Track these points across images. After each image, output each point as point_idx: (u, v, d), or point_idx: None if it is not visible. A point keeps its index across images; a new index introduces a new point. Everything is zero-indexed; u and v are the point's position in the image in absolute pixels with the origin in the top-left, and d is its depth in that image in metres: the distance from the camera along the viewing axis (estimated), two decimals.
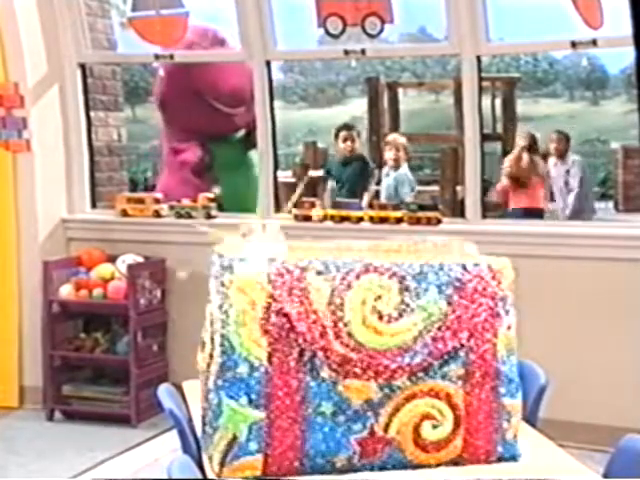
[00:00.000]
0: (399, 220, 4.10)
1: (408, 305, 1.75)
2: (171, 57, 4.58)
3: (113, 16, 5.07)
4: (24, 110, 4.48)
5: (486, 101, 7.33)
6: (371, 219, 4.18)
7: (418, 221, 4.05)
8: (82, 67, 4.73)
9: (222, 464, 1.72)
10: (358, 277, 1.75)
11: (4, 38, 4.35)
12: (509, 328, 1.80)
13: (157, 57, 4.63)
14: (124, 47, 5.14)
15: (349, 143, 6.34)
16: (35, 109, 4.56)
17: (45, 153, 4.69)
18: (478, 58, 3.89)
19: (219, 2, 4.64)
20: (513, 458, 1.80)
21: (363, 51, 4.11)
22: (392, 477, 1.74)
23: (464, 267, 1.78)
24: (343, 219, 4.25)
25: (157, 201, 4.74)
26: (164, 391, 2.20)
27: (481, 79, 3.94)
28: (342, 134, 6.42)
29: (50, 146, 4.72)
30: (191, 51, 4.80)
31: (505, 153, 8.27)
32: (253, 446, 1.71)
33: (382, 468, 1.75)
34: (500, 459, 1.79)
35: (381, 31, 3.97)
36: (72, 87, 4.70)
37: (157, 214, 4.70)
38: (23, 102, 4.48)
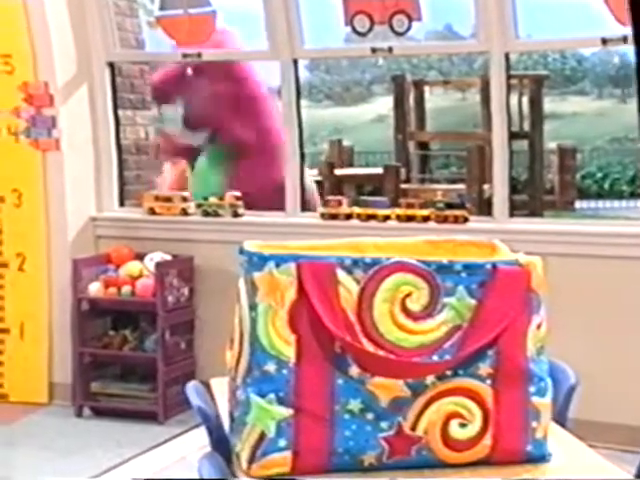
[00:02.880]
0: (426, 218, 4.10)
1: (437, 303, 1.74)
2: (199, 56, 4.61)
3: (141, 15, 5.10)
4: (54, 109, 4.53)
5: (513, 99, 7.28)
6: (398, 217, 4.18)
7: (445, 219, 4.05)
8: (111, 66, 4.77)
9: (251, 461, 1.72)
10: (387, 275, 1.74)
11: (34, 38, 4.39)
12: (539, 327, 1.79)
13: (185, 56, 4.66)
14: (152, 46, 5.18)
15: None
16: (64, 108, 4.61)
17: (74, 152, 4.73)
18: (506, 55, 3.87)
19: (246, 1, 4.65)
20: (543, 457, 1.78)
21: (390, 49, 4.11)
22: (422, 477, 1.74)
23: (494, 265, 1.77)
24: (370, 217, 4.25)
25: (184, 199, 4.77)
26: (192, 388, 2.21)
27: (509, 77, 3.92)
28: None
29: (79, 145, 4.76)
30: (219, 49, 4.82)
31: (532, 151, 8.22)
32: (282, 443, 1.71)
33: (411, 467, 1.74)
34: (529, 458, 1.77)
35: (408, 29, 3.96)
36: (101, 86, 4.75)
37: (184, 212, 4.74)
38: (53, 101, 4.53)
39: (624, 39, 3.61)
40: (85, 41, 4.62)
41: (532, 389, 1.77)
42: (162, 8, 4.55)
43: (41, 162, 4.60)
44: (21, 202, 4.65)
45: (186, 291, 4.53)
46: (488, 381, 1.74)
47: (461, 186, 8.07)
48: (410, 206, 4.21)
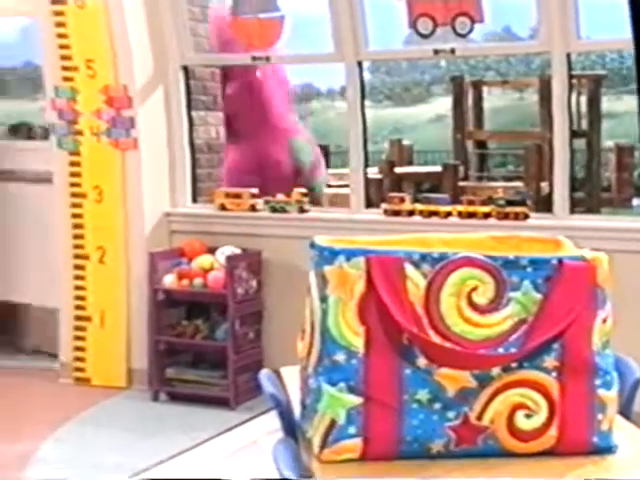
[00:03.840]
0: (487, 215, 4.04)
1: (503, 297, 1.71)
2: (267, 59, 4.62)
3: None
4: (132, 110, 4.59)
5: (572, 98, 7.13)
6: (459, 214, 4.13)
7: (506, 216, 3.99)
8: (185, 69, 4.81)
9: (322, 446, 1.71)
10: (454, 269, 1.72)
11: (115, 44, 4.45)
12: (604, 321, 1.74)
13: (254, 59, 4.68)
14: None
15: None
16: (142, 109, 4.67)
17: (150, 150, 4.80)
18: (568, 56, 3.79)
19: (313, 5, 4.64)
20: (609, 449, 1.74)
21: (453, 50, 4.06)
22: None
23: (560, 260, 1.73)
24: (431, 214, 4.21)
25: (253, 196, 4.80)
26: (264, 376, 2.21)
27: (571, 77, 3.84)
28: None
29: (155, 144, 4.82)
30: (286, 54, 4.83)
31: (590, 150, 8.06)
32: (352, 430, 1.70)
33: (477, 455, 1.71)
34: (595, 450, 1.73)
35: (471, 30, 3.91)
36: (175, 88, 4.80)
37: (253, 208, 4.76)
38: (131, 103, 4.59)
39: None
40: (161, 46, 4.67)
41: (598, 382, 1.73)
42: (233, 14, 4.57)
43: (120, 161, 4.67)
44: (102, 198, 4.72)
45: (254, 283, 4.55)
46: (554, 373, 1.71)
47: (518, 184, 7.94)
48: (471, 203, 4.16)
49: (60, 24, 4.51)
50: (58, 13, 4.50)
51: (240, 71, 5.46)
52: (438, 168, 7.97)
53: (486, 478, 1.67)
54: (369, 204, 4.60)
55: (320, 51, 4.85)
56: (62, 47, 4.55)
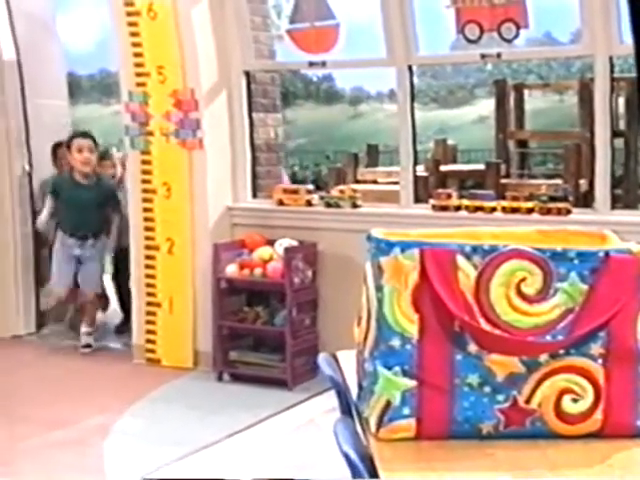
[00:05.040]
0: (530, 210, 3.98)
1: (550, 288, 1.68)
2: (323, 64, 4.61)
3: (273, 30, 5.15)
4: (198, 113, 4.63)
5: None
6: (503, 209, 4.08)
7: (549, 211, 3.92)
8: (247, 74, 4.83)
9: (379, 425, 1.71)
10: (504, 261, 1.69)
11: (183, 51, 4.49)
12: None
13: (311, 64, 4.67)
14: (281, 56, 5.22)
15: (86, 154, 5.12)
16: (207, 112, 4.70)
17: (215, 150, 4.83)
18: (610, 59, 3.70)
19: (367, 13, 4.62)
20: None
21: (499, 55, 4.00)
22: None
23: (606, 253, 1.69)
24: (477, 209, 4.16)
25: (309, 192, 4.80)
26: (323, 359, 2.21)
27: (613, 79, 3.75)
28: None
29: (219, 144, 4.85)
30: (341, 59, 4.81)
31: (627, 149, 7.89)
32: (406, 411, 1.69)
33: (526, 436, 1.69)
34: (639, 433, 1.69)
35: (516, 36, 3.84)
36: (238, 92, 4.82)
37: (309, 203, 4.76)
38: (197, 106, 4.62)
39: None
40: (225, 53, 4.69)
41: None
42: (292, 22, 4.57)
43: (187, 159, 4.71)
44: (170, 194, 4.77)
45: (310, 273, 4.56)
46: (600, 360, 1.67)
47: (557, 181, 7.80)
48: (515, 199, 4.10)
49: (134, 34, 4.57)
50: (132, 24, 4.56)
51: None
52: (481, 166, 7.87)
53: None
54: (417, 200, 4.57)
55: (372, 56, 4.82)
56: (136, 55, 4.60)
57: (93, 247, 5.27)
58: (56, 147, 5.50)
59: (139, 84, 4.66)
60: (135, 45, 4.61)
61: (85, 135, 5.24)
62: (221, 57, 4.68)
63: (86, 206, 5.16)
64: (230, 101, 4.79)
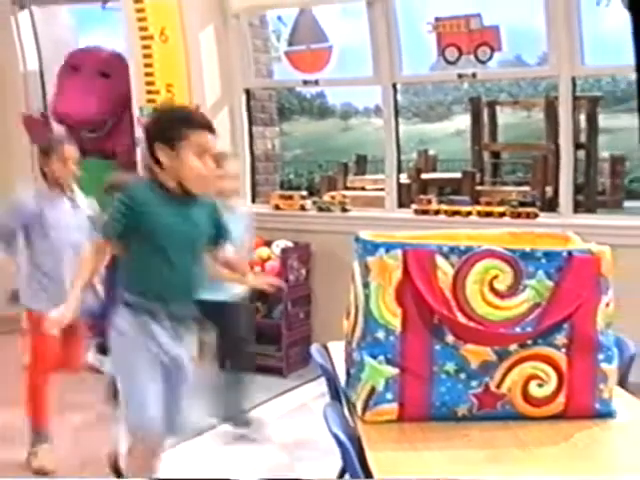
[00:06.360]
0: (502, 214, 3.99)
1: (520, 284, 1.69)
2: (316, 82, 4.61)
3: (272, 51, 5.15)
4: None
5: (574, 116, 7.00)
6: (478, 213, 4.09)
7: (518, 215, 3.93)
8: (247, 92, 4.82)
9: (364, 409, 1.71)
10: (478, 260, 1.70)
11: (191, 71, 4.48)
12: (607, 305, 1.71)
13: (305, 82, 4.67)
14: (278, 75, 5.22)
15: None
16: None
17: None
18: (573, 79, 3.72)
19: (356, 37, 4.62)
20: (609, 414, 1.71)
21: (474, 75, 4.00)
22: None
23: (570, 253, 1.70)
24: (454, 213, 4.17)
25: (303, 197, 4.79)
26: (315, 349, 2.21)
27: (574, 98, 3.76)
28: None
29: None
30: (332, 78, 4.80)
31: (588, 160, 7.91)
32: (389, 396, 1.69)
33: (497, 418, 1.70)
34: (598, 414, 1.70)
35: (490, 58, 3.85)
36: (238, 108, 4.81)
37: (303, 208, 4.75)
38: None
39: None
40: (228, 73, 4.68)
41: (601, 357, 1.70)
42: (290, 44, 4.57)
43: None
44: None
45: (304, 271, 4.55)
46: (563, 350, 1.68)
47: (526, 188, 7.82)
48: (488, 204, 4.11)
49: (147, 55, 4.56)
50: (146, 47, 4.55)
51: None
52: (458, 175, 7.89)
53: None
54: (400, 205, 4.57)
55: (361, 75, 4.82)
56: (147, 74, 4.59)
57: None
58: None
59: (149, 100, 4.65)
60: (147, 65, 4.61)
61: None
62: (224, 76, 4.68)
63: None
64: (232, 116, 4.78)
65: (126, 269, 2.17)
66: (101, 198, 3.05)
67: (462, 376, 1.68)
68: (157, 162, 2.13)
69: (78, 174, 3.05)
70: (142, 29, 4.55)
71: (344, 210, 4.62)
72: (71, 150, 3.05)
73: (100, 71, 4.88)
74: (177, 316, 2.18)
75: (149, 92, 4.65)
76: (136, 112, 4.71)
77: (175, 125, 2.13)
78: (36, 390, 2.99)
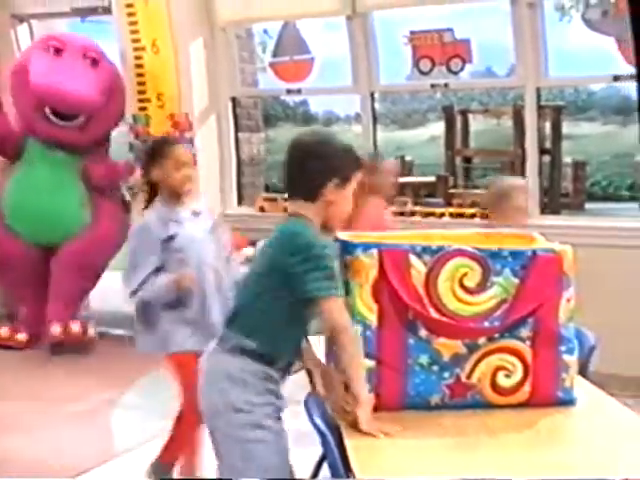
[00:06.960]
0: (473, 215, 4.01)
1: (488, 281, 1.70)
2: (299, 91, 4.61)
3: (258, 62, 5.14)
4: (192, 132, 4.59)
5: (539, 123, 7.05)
6: (450, 214, 4.10)
7: (488, 216, 3.94)
8: (233, 100, 4.81)
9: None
10: (449, 259, 1.71)
11: (180, 81, 4.46)
12: (569, 301, 1.73)
13: (288, 91, 4.66)
14: (263, 84, 5.21)
15: None
16: (199, 131, 4.67)
17: (206, 164, 4.80)
18: (538, 90, 3.75)
19: (336, 48, 4.62)
20: (571, 401, 1.73)
21: (446, 85, 4.02)
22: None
23: (534, 252, 1.71)
24: (429, 214, 4.18)
25: (286, 200, 4.76)
26: None
27: (540, 107, 3.79)
28: None
29: (210, 159, 4.82)
30: (314, 87, 4.79)
31: (553, 164, 7.99)
32: (367, 387, 1.69)
33: (467, 407, 1.71)
34: (560, 402, 1.72)
35: (462, 69, 3.87)
36: (225, 115, 4.79)
37: (286, 210, 4.72)
38: (191, 126, 4.59)
39: (632, 77, 3.45)
40: (215, 83, 4.66)
41: (563, 348, 1.72)
42: (274, 55, 4.56)
43: None
44: None
45: None
46: (528, 342, 1.70)
47: None
48: (460, 206, 4.13)
49: (139, 65, 4.53)
50: (138, 57, 4.52)
51: None
52: (432, 178, 7.93)
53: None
54: None
55: (341, 84, 4.82)
56: (139, 84, 4.56)
57: None
58: None
59: (141, 108, 4.63)
60: (139, 75, 4.58)
61: None
62: (211, 85, 4.66)
63: None
64: (219, 122, 4.76)
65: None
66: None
67: (435, 368, 1.69)
68: (314, 199, 1.76)
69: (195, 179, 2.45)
70: (135, 41, 4.52)
71: None
72: (187, 153, 2.47)
73: (88, 56, 4.21)
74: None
75: (140, 100, 4.63)
76: (129, 119, 4.68)
77: (351, 164, 1.74)
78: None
